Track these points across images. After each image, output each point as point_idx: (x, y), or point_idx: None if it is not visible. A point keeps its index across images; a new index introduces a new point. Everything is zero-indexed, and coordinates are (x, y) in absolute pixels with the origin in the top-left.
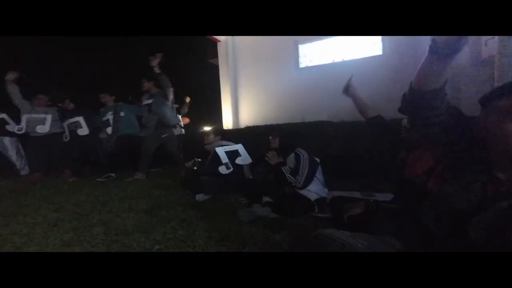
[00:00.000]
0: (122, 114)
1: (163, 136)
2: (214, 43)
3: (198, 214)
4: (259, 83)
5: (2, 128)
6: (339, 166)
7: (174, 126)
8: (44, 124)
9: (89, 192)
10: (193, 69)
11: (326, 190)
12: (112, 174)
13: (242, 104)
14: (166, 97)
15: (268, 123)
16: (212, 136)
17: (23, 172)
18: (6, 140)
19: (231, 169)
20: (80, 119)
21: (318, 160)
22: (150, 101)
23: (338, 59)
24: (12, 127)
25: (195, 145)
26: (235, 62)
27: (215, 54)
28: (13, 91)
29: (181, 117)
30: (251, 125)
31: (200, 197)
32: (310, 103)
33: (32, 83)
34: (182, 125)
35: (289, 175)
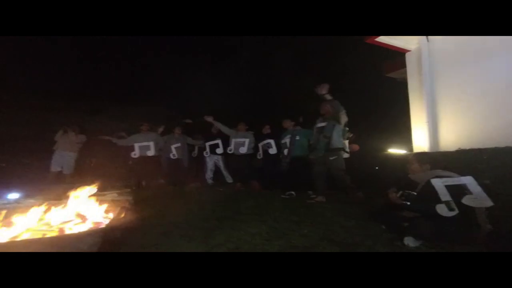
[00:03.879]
0: (297, 138)
1: (331, 158)
2: (398, 54)
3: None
4: (470, 94)
5: (215, 149)
6: None
7: (340, 149)
8: (244, 146)
9: (281, 209)
10: (367, 86)
11: None
12: (293, 193)
13: (443, 121)
14: (337, 120)
15: (490, 145)
16: (417, 165)
17: (228, 180)
18: (219, 157)
19: (456, 211)
20: (272, 141)
21: None
22: (323, 124)
23: None
24: (220, 150)
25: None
26: (431, 73)
27: (395, 67)
28: (219, 125)
29: (348, 142)
30: (467, 148)
31: (409, 241)
32: None
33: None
34: (348, 150)
35: None
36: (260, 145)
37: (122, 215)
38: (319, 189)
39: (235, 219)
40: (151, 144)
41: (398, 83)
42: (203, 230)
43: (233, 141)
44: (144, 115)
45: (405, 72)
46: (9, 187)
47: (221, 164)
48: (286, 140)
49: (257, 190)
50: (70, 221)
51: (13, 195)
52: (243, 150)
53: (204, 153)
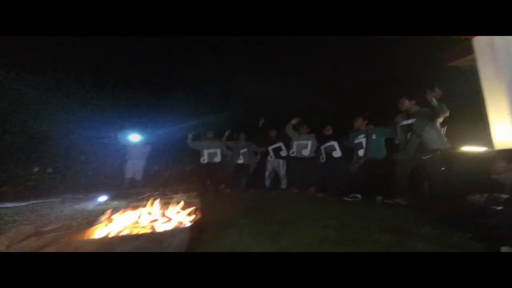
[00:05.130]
0: (373, 137)
1: (424, 157)
2: (462, 41)
3: None
4: None
5: (279, 152)
6: None
7: (438, 151)
8: (307, 148)
9: (344, 213)
10: (427, 79)
11: None
12: (358, 195)
13: None
14: (432, 117)
15: None
16: (504, 163)
17: (283, 186)
18: (280, 161)
19: None
20: (335, 143)
21: None
22: (410, 121)
23: None
24: (284, 152)
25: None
26: (509, 59)
27: (458, 55)
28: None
29: None
30: None
31: (509, 251)
32: None
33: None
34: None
35: None
36: (322, 148)
37: (198, 217)
38: (402, 190)
39: (297, 223)
40: (218, 151)
41: (463, 72)
42: (268, 233)
43: (295, 144)
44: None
45: (471, 60)
46: (98, 191)
47: (281, 169)
48: (361, 140)
49: (313, 195)
50: (157, 220)
51: (102, 198)
52: (305, 152)
53: (269, 157)
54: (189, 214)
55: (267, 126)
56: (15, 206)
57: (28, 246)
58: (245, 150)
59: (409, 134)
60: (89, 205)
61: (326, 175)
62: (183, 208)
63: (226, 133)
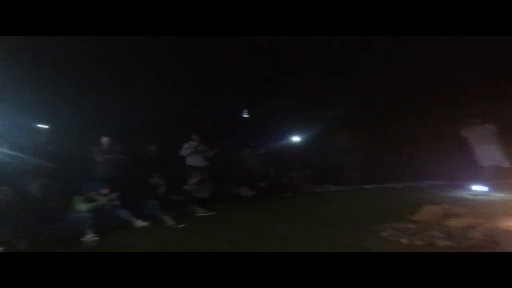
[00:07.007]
0: None
1: None
2: None
3: None
4: None
5: None
6: None
7: None
8: None
9: None
10: None
11: None
12: None
13: None
14: None
15: None
16: None
17: None
18: None
19: None
20: None
21: None
22: None
23: None
24: None
25: None
26: None
27: None
28: None
29: None
30: None
31: None
32: None
33: None
34: None
35: None
36: None
37: None
38: None
39: None
40: None
41: None
42: None
43: None
44: None
45: None
46: (453, 179)
47: None
48: None
49: None
50: None
51: (480, 188)
52: None
53: None
54: None
55: None
56: (383, 187)
57: (453, 225)
58: None
59: None
60: (462, 193)
61: None
62: None
63: None
